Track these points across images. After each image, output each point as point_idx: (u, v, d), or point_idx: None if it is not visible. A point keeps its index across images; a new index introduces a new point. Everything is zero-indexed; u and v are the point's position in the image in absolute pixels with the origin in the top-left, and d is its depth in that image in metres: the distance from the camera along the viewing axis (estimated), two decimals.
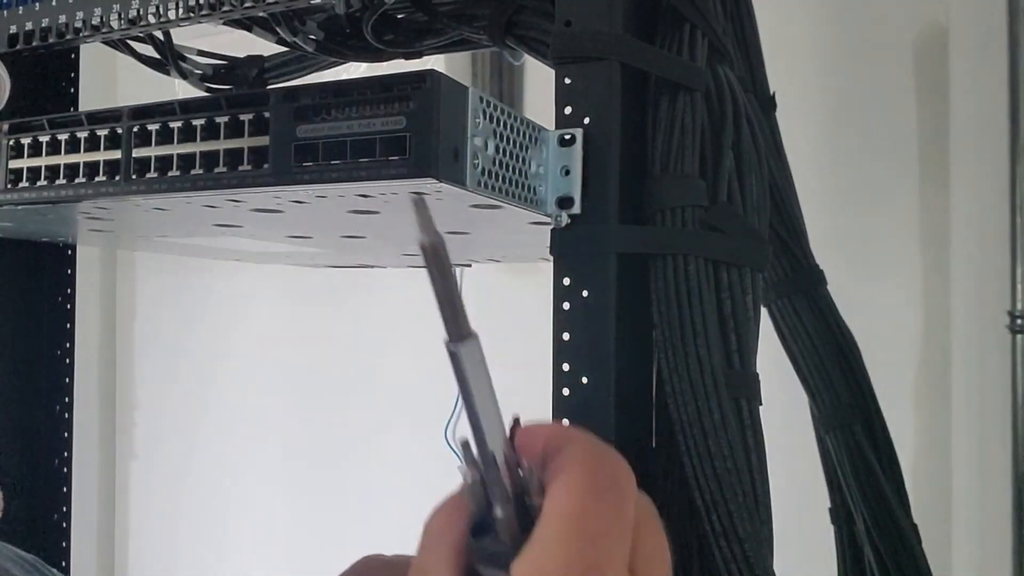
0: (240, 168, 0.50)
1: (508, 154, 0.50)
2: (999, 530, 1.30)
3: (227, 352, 2.29)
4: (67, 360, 0.93)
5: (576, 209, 0.53)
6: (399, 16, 0.72)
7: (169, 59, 0.76)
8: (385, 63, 0.75)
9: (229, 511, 2.28)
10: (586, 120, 0.53)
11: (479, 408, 0.34)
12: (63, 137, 0.57)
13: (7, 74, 0.63)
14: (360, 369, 2.08)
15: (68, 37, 0.62)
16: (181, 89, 0.78)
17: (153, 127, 0.53)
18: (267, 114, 0.49)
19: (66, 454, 0.92)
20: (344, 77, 0.49)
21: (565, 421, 0.53)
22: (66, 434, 0.92)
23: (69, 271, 0.93)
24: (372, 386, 2.06)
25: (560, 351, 0.53)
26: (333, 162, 0.47)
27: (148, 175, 0.53)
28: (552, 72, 0.54)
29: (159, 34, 0.74)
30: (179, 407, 2.36)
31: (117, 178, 0.54)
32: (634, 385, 0.54)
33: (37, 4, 0.63)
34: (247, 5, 0.57)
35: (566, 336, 0.53)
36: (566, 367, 0.53)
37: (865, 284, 1.49)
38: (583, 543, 0.33)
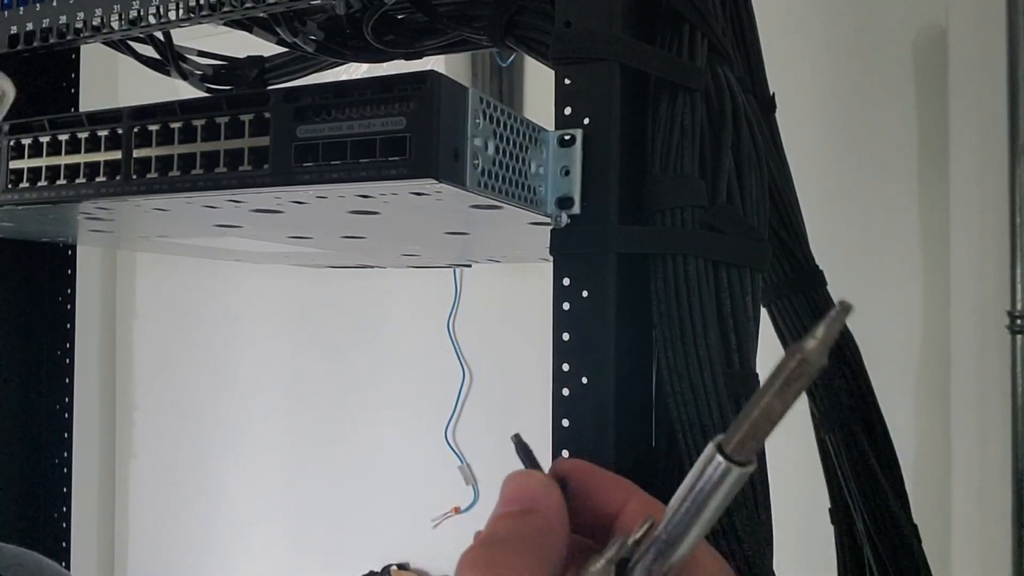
0: (240, 168, 0.50)
1: (508, 154, 0.50)
2: (999, 530, 1.30)
3: (227, 352, 2.29)
4: (67, 360, 0.93)
5: (576, 209, 0.53)
6: (399, 16, 0.73)
7: (169, 60, 0.76)
8: (385, 63, 0.75)
9: (229, 510, 2.28)
10: (586, 120, 0.53)
11: (697, 526, 0.32)
12: (64, 138, 0.57)
13: (12, 85, 0.62)
14: (360, 369, 2.08)
15: (68, 37, 0.62)
16: (182, 89, 0.78)
17: (153, 127, 0.53)
18: (267, 114, 0.49)
19: (66, 454, 0.92)
20: (344, 78, 0.49)
21: (565, 422, 0.53)
22: (66, 434, 0.92)
23: (69, 271, 0.93)
24: (372, 386, 2.06)
25: (560, 351, 0.53)
26: (333, 162, 0.47)
27: (148, 175, 0.53)
28: (552, 72, 0.54)
29: (159, 35, 0.74)
30: (179, 407, 2.36)
31: (117, 178, 0.54)
32: (634, 385, 0.54)
33: (37, 4, 0.63)
34: (247, 6, 0.57)
35: (566, 336, 0.53)
36: (566, 367, 0.53)
37: (865, 284, 1.49)
38: None
